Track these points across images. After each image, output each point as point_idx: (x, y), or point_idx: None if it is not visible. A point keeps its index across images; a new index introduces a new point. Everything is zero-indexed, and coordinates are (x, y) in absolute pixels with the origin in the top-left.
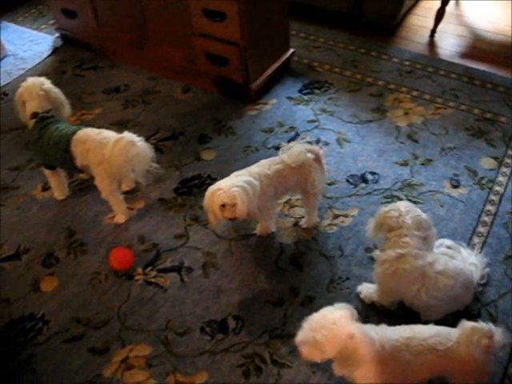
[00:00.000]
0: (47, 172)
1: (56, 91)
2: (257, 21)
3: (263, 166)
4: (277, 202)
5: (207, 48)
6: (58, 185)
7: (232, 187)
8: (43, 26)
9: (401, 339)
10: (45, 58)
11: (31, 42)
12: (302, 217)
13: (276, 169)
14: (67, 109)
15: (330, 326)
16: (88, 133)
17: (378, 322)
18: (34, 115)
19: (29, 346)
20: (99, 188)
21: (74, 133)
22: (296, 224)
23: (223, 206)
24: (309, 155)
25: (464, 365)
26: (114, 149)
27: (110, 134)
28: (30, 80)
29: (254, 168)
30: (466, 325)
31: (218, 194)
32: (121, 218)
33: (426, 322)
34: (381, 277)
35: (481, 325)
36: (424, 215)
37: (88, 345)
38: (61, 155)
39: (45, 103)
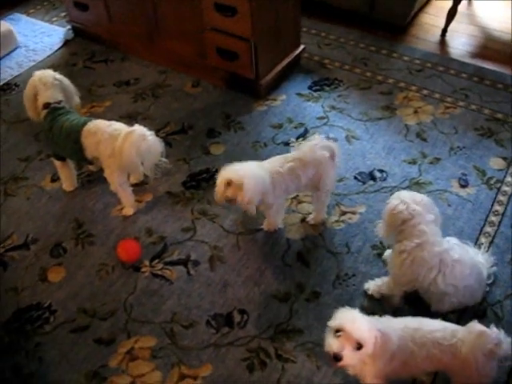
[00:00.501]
0: (57, 163)
1: (67, 81)
2: (268, 16)
3: (275, 163)
4: (286, 198)
5: (218, 43)
6: (68, 176)
7: (243, 169)
8: (55, 19)
9: (406, 329)
10: (56, 51)
11: (43, 34)
12: (310, 213)
13: (289, 166)
14: (76, 98)
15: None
16: (98, 125)
17: None
18: (46, 106)
19: (36, 335)
20: (108, 180)
21: (84, 124)
22: (303, 220)
23: (229, 183)
24: (324, 152)
25: (464, 363)
26: (124, 142)
27: (120, 127)
28: (40, 72)
29: (266, 164)
30: (475, 327)
31: (227, 169)
32: (129, 211)
33: (434, 316)
34: (398, 267)
35: (491, 331)
36: (424, 196)
37: (94, 335)
38: (71, 146)
39: (57, 93)
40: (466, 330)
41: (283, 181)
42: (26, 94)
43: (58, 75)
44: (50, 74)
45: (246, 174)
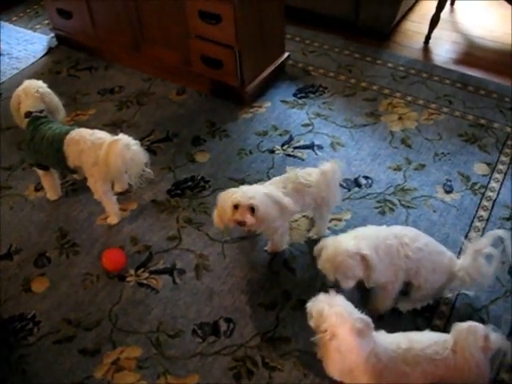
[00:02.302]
0: (40, 172)
1: (51, 95)
2: (252, 24)
3: (278, 184)
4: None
5: (202, 50)
6: (51, 185)
7: (251, 191)
8: (38, 26)
9: (399, 350)
10: (39, 58)
11: (26, 42)
12: (296, 220)
13: (293, 187)
14: (62, 113)
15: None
16: (81, 133)
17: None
18: (28, 114)
19: (19, 347)
20: (92, 189)
21: (67, 133)
22: (289, 228)
23: (236, 207)
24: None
25: (462, 372)
26: (109, 151)
27: (103, 135)
28: (28, 82)
29: (269, 186)
30: (461, 327)
31: (233, 192)
32: (113, 220)
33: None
34: None
35: (475, 325)
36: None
37: (79, 346)
38: (53, 155)
39: (39, 103)
40: (455, 333)
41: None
42: (11, 102)
43: (43, 89)
44: (34, 84)
45: (255, 196)
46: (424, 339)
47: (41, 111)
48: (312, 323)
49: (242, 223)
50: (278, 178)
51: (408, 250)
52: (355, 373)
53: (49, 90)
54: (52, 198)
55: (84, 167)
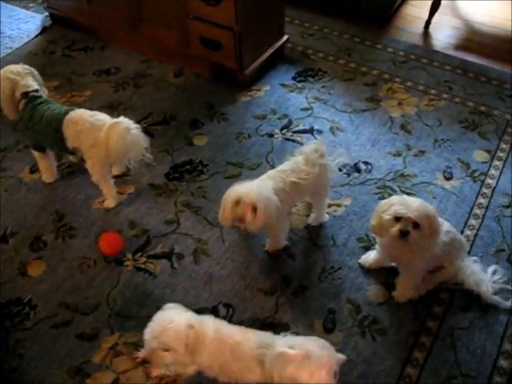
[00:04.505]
0: (36, 154)
1: (37, 72)
2: (252, 6)
3: (276, 179)
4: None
5: (201, 32)
6: (47, 167)
7: (254, 188)
8: (31, 5)
9: (230, 341)
10: (33, 38)
11: (19, 21)
12: (295, 205)
13: (291, 181)
14: (46, 92)
15: (169, 325)
16: (81, 114)
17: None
18: (24, 95)
19: (16, 331)
20: (90, 171)
21: (66, 113)
22: (289, 213)
23: (237, 202)
24: (321, 160)
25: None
26: (109, 133)
27: (104, 117)
28: (5, 68)
29: (268, 181)
30: (278, 349)
31: (235, 188)
32: (110, 203)
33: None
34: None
35: (288, 351)
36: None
37: (76, 331)
38: (52, 135)
39: (32, 82)
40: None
41: (289, 197)
42: (2, 91)
43: (27, 67)
44: (17, 66)
45: (258, 195)
46: (256, 339)
47: (36, 90)
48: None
49: (241, 219)
50: (273, 171)
51: (442, 235)
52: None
53: (32, 68)
54: (48, 180)
55: (82, 148)
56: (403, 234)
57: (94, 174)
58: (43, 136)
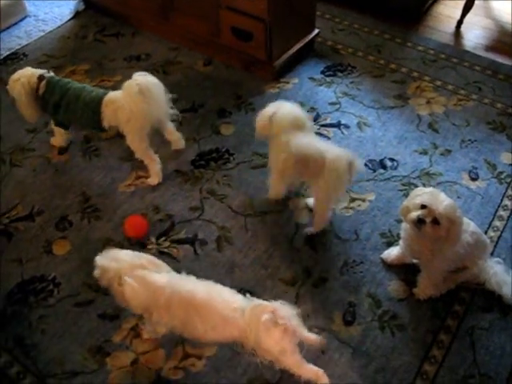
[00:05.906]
0: (57, 129)
1: None
2: None
3: None
4: None
5: (233, 22)
6: (62, 134)
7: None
8: None
9: (183, 292)
10: (66, 22)
11: (53, 4)
12: None
13: None
14: None
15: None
16: (117, 94)
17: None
18: (42, 77)
19: (39, 307)
20: (132, 147)
21: (105, 94)
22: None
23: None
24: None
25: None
26: (126, 94)
27: None
28: (16, 74)
29: None
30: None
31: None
32: (154, 180)
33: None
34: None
35: (263, 303)
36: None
37: (98, 310)
38: (89, 116)
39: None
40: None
41: None
42: (18, 98)
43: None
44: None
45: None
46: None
47: (48, 71)
48: (97, 275)
49: (421, 221)
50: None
51: (467, 235)
52: (151, 309)
53: None
54: (57, 144)
55: (120, 125)
56: (419, 220)
57: (137, 150)
58: (79, 116)
